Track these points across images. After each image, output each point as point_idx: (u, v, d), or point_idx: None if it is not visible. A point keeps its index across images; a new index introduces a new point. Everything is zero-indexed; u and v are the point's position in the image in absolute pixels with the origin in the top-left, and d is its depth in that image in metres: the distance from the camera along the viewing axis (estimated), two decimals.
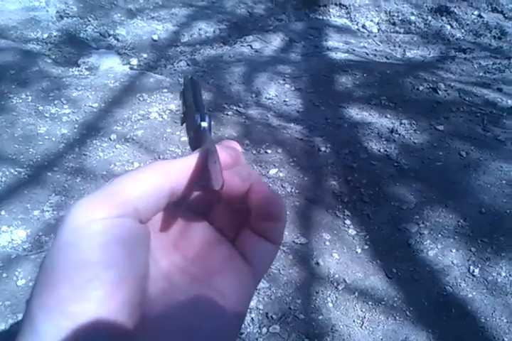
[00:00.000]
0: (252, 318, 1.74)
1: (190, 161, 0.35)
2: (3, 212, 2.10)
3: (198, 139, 0.37)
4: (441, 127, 2.71)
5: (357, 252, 2.03)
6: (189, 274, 0.35)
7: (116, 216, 0.31)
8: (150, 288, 0.32)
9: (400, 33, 4.11)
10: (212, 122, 0.37)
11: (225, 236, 0.39)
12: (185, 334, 0.32)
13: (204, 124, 0.36)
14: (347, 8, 4.30)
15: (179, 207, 0.37)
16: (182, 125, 0.38)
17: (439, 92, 3.03)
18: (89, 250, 0.29)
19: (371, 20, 4.20)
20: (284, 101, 2.99)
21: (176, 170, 0.34)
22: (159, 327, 0.31)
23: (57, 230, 0.31)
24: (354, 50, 3.67)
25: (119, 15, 4.03)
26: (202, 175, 0.34)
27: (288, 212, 2.17)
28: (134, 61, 3.49)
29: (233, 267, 0.37)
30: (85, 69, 3.26)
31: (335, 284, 1.89)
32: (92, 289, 0.28)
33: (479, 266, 1.96)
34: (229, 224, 0.39)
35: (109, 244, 0.29)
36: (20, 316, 1.71)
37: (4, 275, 1.84)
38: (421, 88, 3.08)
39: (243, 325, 1.72)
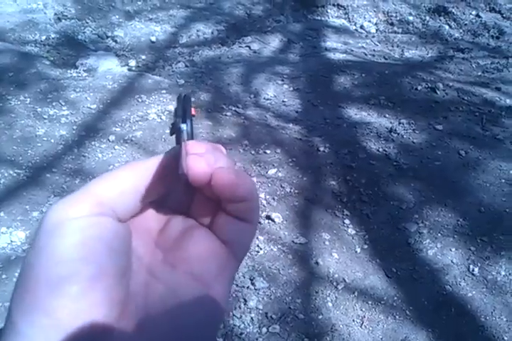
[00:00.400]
0: (251, 318, 1.74)
1: (162, 159, 0.35)
2: (2, 214, 2.10)
3: (177, 139, 0.39)
4: (440, 126, 2.72)
5: (356, 252, 2.03)
6: (170, 265, 0.35)
7: (92, 215, 0.31)
8: (133, 284, 0.33)
9: (398, 33, 4.12)
10: (193, 129, 0.39)
11: (202, 224, 0.39)
12: (170, 323, 0.32)
13: (184, 126, 0.38)
14: (345, 8, 4.30)
15: (158, 205, 0.38)
16: (171, 135, 0.39)
17: (438, 92, 3.03)
18: (65, 247, 0.29)
19: (369, 21, 4.21)
20: (283, 101, 3.00)
21: (150, 169, 0.35)
22: (143, 319, 0.31)
23: (36, 231, 0.31)
24: (352, 51, 3.67)
25: (117, 17, 4.04)
26: (172, 169, 0.35)
27: (287, 212, 2.17)
28: (133, 62, 3.49)
29: (212, 252, 0.37)
30: (83, 70, 3.26)
31: (334, 284, 1.88)
32: (68, 285, 0.28)
33: (479, 264, 1.95)
34: (205, 212, 0.39)
35: (86, 241, 0.29)
36: None
37: (4, 276, 1.84)
38: (419, 88, 3.08)
39: (243, 325, 1.71)
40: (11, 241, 1.99)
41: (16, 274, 1.84)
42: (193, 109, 0.42)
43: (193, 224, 0.39)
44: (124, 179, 0.34)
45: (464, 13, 4.17)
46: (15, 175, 2.32)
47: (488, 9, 4.25)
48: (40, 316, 0.27)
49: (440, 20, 4.17)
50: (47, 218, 0.31)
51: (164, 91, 3.02)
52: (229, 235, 0.38)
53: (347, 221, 2.16)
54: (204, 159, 0.34)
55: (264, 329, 1.70)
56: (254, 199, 0.38)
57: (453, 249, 2.02)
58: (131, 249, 0.34)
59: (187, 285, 0.34)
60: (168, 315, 0.32)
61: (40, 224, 0.31)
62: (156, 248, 0.37)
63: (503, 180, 2.34)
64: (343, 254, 2.02)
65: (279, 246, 2.02)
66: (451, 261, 1.97)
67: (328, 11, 4.31)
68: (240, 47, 3.69)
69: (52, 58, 3.38)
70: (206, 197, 0.39)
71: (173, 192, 0.39)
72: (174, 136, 0.40)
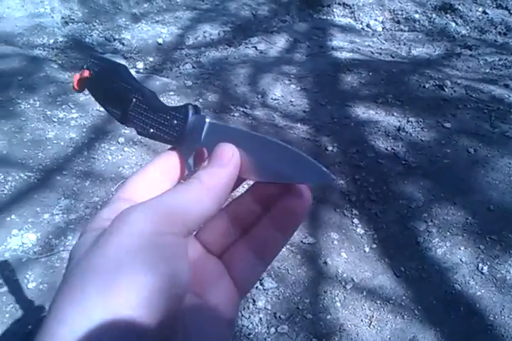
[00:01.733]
0: (260, 318, 1.75)
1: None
2: (13, 216, 2.13)
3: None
4: (448, 124, 2.71)
5: (365, 251, 2.03)
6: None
7: (166, 233, 0.31)
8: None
9: (405, 31, 4.10)
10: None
11: (212, 252, 0.40)
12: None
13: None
14: (351, 7, 4.30)
15: None
16: None
17: (446, 89, 3.02)
18: (132, 260, 0.29)
19: (375, 19, 4.20)
20: (290, 101, 3.00)
21: (222, 187, 0.36)
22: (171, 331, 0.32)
23: (107, 230, 0.31)
24: (359, 49, 3.66)
25: (123, 19, 4.06)
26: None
27: None
28: (140, 65, 3.51)
29: (222, 280, 0.37)
30: None
31: (343, 283, 1.89)
32: (122, 290, 0.28)
33: (488, 263, 1.95)
34: (216, 240, 0.40)
35: (152, 257, 0.30)
36: (30, 319, 1.72)
37: (15, 278, 1.86)
38: (427, 86, 3.07)
39: (251, 326, 1.72)
40: (22, 243, 2.02)
41: (27, 276, 1.87)
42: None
43: (204, 253, 0.39)
44: (202, 199, 0.34)
45: (470, 10, 4.14)
46: (25, 177, 2.34)
47: (494, 5, 4.22)
48: (83, 315, 0.27)
49: (446, 17, 4.15)
50: (123, 224, 0.31)
51: (172, 92, 3.04)
52: (240, 271, 0.38)
53: (356, 220, 2.16)
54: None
55: (273, 330, 1.71)
56: (290, 235, 0.40)
57: (462, 248, 2.02)
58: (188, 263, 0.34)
59: (208, 311, 0.35)
60: (191, 332, 0.34)
61: (115, 226, 0.31)
62: None
63: None
64: (351, 254, 2.02)
65: (288, 246, 2.02)
66: (460, 260, 1.97)
67: (334, 10, 4.30)
68: (246, 47, 3.69)
69: (60, 61, 3.41)
70: (229, 220, 0.39)
71: None
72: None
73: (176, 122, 0.40)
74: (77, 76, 0.43)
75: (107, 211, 0.36)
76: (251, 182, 0.40)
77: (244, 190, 0.41)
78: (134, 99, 0.42)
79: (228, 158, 0.36)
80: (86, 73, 0.43)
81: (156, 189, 0.38)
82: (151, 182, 0.39)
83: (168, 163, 0.40)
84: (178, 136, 0.40)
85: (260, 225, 0.39)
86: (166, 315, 0.29)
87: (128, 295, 0.28)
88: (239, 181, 0.38)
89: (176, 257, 0.31)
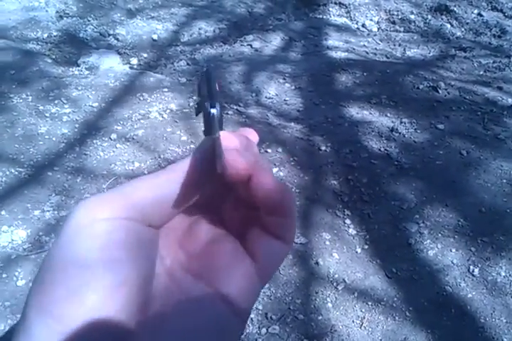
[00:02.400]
0: (251, 319, 1.74)
1: (196, 157, 0.34)
2: (3, 212, 2.11)
3: (208, 127, 0.35)
4: (441, 126, 2.71)
5: (357, 252, 2.03)
6: (192, 272, 0.34)
7: (121, 218, 0.30)
8: (154, 286, 0.32)
9: (400, 31, 4.10)
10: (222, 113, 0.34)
11: (233, 233, 0.37)
12: (182, 334, 0.31)
13: (213, 111, 0.34)
14: (346, 7, 4.29)
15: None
16: (197, 115, 0.36)
17: (440, 91, 3.02)
18: (89, 250, 0.28)
19: (371, 19, 4.20)
20: (284, 100, 2.99)
21: (184, 172, 0.33)
22: (157, 325, 0.30)
23: (60, 228, 0.30)
24: (354, 49, 3.66)
25: (118, 15, 4.03)
26: (208, 167, 0.33)
27: None
28: (134, 60, 3.49)
29: (238, 266, 0.34)
30: (85, 68, 3.26)
31: (334, 284, 1.89)
32: (88, 292, 0.27)
33: (479, 265, 1.95)
34: (237, 220, 0.38)
35: (111, 245, 0.28)
36: (19, 316, 1.71)
37: (4, 275, 1.84)
38: (421, 87, 3.07)
39: None
40: (12, 239, 2.00)
41: (17, 273, 1.85)
42: (217, 84, 0.38)
43: (223, 233, 0.37)
44: (161, 184, 0.32)
45: (465, 12, 4.15)
46: (16, 173, 2.32)
47: (489, 8, 4.23)
48: (54, 321, 0.27)
49: (442, 18, 4.16)
50: (73, 216, 0.30)
51: (166, 89, 3.02)
52: (261, 253, 0.36)
53: (348, 221, 2.16)
54: (244, 157, 0.33)
55: (264, 330, 1.71)
56: (292, 216, 0.36)
57: (453, 250, 2.02)
58: (157, 255, 0.33)
59: (208, 300, 0.33)
60: (183, 326, 0.31)
61: (66, 220, 0.30)
62: (179, 249, 0.35)
63: (505, 180, 2.34)
64: (343, 254, 2.02)
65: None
66: (452, 262, 1.98)
67: (330, 9, 4.29)
68: (241, 45, 3.68)
69: (54, 56, 3.38)
70: (241, 200, 0.37)
71: (205, 189, 0.36)
72: (200, 115, 0.37)
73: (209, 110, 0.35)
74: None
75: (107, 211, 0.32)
76: None
77: None
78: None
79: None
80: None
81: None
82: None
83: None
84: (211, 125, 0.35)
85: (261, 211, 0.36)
86: (141, 311, 0.29)
87: (94, 295, 0.27)
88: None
89: (136, 246, 0.30)
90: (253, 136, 0.39)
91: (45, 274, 0.28)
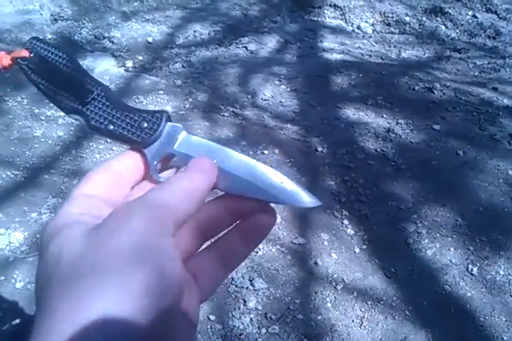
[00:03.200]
0: (251, 319, 1.74)
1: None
2: (0, 215, 2.10)
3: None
4: (437, 126, 2.72)
5: (355, 252, 2.03)
6: None
7: (157, 233, 0.32)
8: None
9: (395, 33, 4.12)
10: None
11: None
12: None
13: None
14: (341, 9, 4.31)
15: None
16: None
17: (435, 92, 3.03)
18: (108, 258, 0.30)
19: (366, 21, 4.21)
20: (280, 102, 3.00)
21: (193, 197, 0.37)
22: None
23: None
24: (349, 51, 3.67)
25: (113, 17, 4.03)
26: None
27: (285, 212, 2.17)
28: (129, 63, 3.48)
29: (189, 289, 0.37)
30: None
31: (334, 284, 1.88)
32: (101, 291, 0.28)
33: (478, 264, 1.96)
34: (183, 247, 0.40)
35: (142, 257, 0.30)
36: (17, 319, 1.70)
37: (2, 278, 1.83)
38: (417, 88, 3.08)
39: (242, 326, 1.71)
40: (10, 242, 1.99)
41: (15, 275, 1.85)
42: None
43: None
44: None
45: (460, 14, 4.17)
46: (12, 176, 2.31)
47: (484, 10, 4.26)
48: (70, 318, 0.27)
49: (437, 20, 4.18)
50: (49, 224, 0.33)
51: (161, 91, 3.02)
52: (205, 279, 0.39)
53: (346, 221, 2.16)
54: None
55: (264, 330, 1.70)
56: (252, 250, 0.42)
57: (452, 249, 2.02)
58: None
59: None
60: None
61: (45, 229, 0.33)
62: None
63: (501, 180, 2.34)
64: (342, 255, 2.02)
65: (278, 247, 2.02)
66: (450, 261, 1.98)
67: (325, 11, 4.31)
68: (236, 47, 3.68)
69: None
70: (198, 226, 0.40)
71: None
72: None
73: (146, 125, 0.41)
74: (9, 54, 0.42)
75: (75, 205, 0.36)
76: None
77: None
78: (95, 92, 0.42)
79: (209, 165, 0.39)
80: (25, 53, 0.41)
81: (118, 186, 0.39)
82: (113, 178, 0.39)
83: (132, 161, 0.41)
84: (147, 138, 0.40)
85: (227, 236, 0.41)
86: (157, 314, 0.29)
87: (117, 294, 0.28)
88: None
89: (165, 257, 0.31)
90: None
91: (71, 271, 0.30)
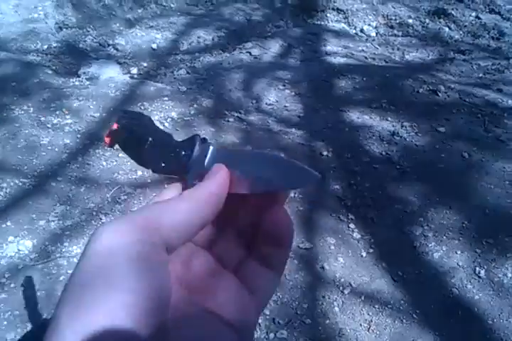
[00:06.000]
0: (259, 324, 1.74)
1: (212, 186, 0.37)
2: (9, 223, 2.11)
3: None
4: (442, 129, 2.72)
5: (362, 256, 2.03)
6: (197, 306, 0.35)
7: (142, 242, 0.32)
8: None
9: (398, 36, 4.12)
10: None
11: (227, 267, 0.40)
12: None
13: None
14: (344, 12, 4.32)
15: None
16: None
17: (440, 94, 3.03)
18: (111, 268, 0.30)
19: (369, 24, 4.22)
20: (285, 106, 3.00)
21: (205, 198, 0.36)
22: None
23: (85, 248, 0.31)
24: (353, 54, 3.68)
25: (117, 25, 4.06)
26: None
27: (292, 217, 2.15)
28: (134, 70, 3.51)
29: (237, 299, 0.37)
30: (86, 79, 3.27)
31: (341, 288, 1.89)
32: (108, 302, 0.29)
33: (485, 267, 1.95)
34: (230, 255, 0.40)
35: (133, 265, 0.30)
36: (28, 325, 1.71)
37: (12, 285, 1.85)
38: (421, 90, 3.08)
39: None
40: (18, 250, 2.00)
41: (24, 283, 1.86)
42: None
43: (218, 268, 0.39)
44: (184, 209, 0.35)
45: (463, 15, 4.17)
46: (20, 184, 2.33)
47: (487, 10, 4.26)
48: (79, 325, 0.28)
49: (440, 22, 4.18)
50: (97, 239, 0.31)
51: (166, 98, 3.03)
52: (256, 284, 0.38)
53: (352, 225, 2.16)
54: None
55: (272, 335, 1.71)
56: (289, 248, 0.40)
57: (458, 252, 2.02)
58: (169, 277, 0.34)
59: (216, 330, 0.35)
60: None
61: (91, 240, 0.31)
62: (177, 282, 0.37)
63: (507, 182, 2.34)
64: (348, 259, 2.02)
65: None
66: (457, 264, 1.98)
67: (328, 15, 4.32)
68: (240, 53, 3.70)
69: (54, 67, 3.40)
70: (234, 238, 0.40)
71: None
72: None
73: (183, 153, 0.43)
74: (108, 131, 0.46)
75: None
76: None
77: None
78: (149, 139, 0.44)
79: (213, 175, 0.38)
80: (115, 126, 0.45)
81: None
82: None
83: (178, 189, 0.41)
84: (184, 165, 0.43)
85: (259, 241, 0.40)
86: (155, 325, 0.29)
87: (111, 305, 0.28)
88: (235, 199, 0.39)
89: (156, 266, 0.31)
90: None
91: (74, 285, 0.30)
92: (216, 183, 0.37)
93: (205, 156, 0.43)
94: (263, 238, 0.39)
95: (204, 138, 0.44)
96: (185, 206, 0.35)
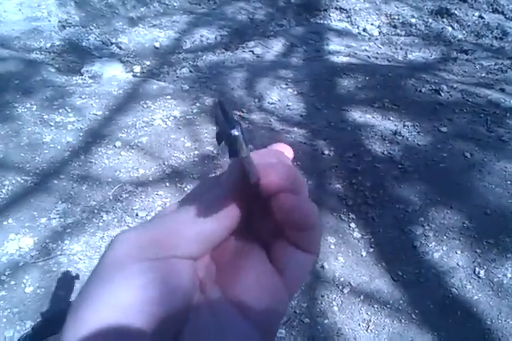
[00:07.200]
0: None
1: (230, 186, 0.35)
2: (10, 220, 2.12)
3: (233, 150, 0.35)
4: (444, 129, 2.72)
5: (362, 255, 2.03)
6: (221, 287, 0.34)
7: (159, 258, 0.31)
8: (186, 302, 0.32)
9: (401, 35, 4.12)
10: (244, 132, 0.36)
11: (259, 243, 0.37)
12: None
13: (235, 132, 0.35)
14: (347, 12, 4.31)
15: None
16: (219, 145, 0.36)
17: (442, 94, 3.03)
18: (124, 289, 0.29)
19: (372, 24, 4.21)
20: (287, 105, 3.00)
21: (228, 210, 0.34)
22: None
23: (101, 258, 0.31)
24: (355, 54, 3.67)
25: (120, 23, 4.06)
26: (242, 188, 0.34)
27: None
28: (137, 68, 3.51)
29: (266, 283, 0.35)
30: (89, 77, 3.28)
31: (340, 287, 1.89)
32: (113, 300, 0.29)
33: (485, 267, 1.95)
34: (264, 231, 0.38)
35: (147, 286, 0.30)
36: (28, 323, 1.72)
37: (12, 282, 1.85)
38: (423, 90, 3.08)
39: None
40: (20, 247, 2.01)
41: (24, 280, 1.87)
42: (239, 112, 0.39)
43: (249, 245, 0.37)
44: (200, 220, 0.33)
45: (466, 15, 4.16)
46: (22, 181, 2.34)
47: (490, 10, 4.24)
48: (81, 325, 0.28)
49: (443, 21, 4.17)
50: (114, 250, 0.31)
51: (169, 96, 3.04)
52: (287, 266, 0.36)
53: (352, 224, 2.16)
54: (277, 169, 0.33)
55: None
56: (317, 229, 0.36)
57: (459, 252, 2.02)
58: (195, 286, 0.33)
59: (233, 318, 0.33)
60: None
61: (107, 253, 0.31)
62: (210, 260, 0.36)
63: (509, 182, 2.34)
64: (348, 258, 2.02)
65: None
66: (457, 264, 1.97)
67: (331, 14, 4.31)
68: (243, 51, 3.70)
69: (57, 65, 3.41)
70: (269, 212, 0.36)
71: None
72: (222, 144, 0.37)
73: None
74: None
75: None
76: None
77: None
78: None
79: (222, 179, 0.36)
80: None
81: None
82: None
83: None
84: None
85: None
86: (161, 323, 0.29)
87: (119, 302, 0.28)
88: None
89: (170, 271, 0.31)
90: (288, 150, 0.40)
91: (86, 288, 0.30)
92: (223, 190, 0.35)
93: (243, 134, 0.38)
94: (283, 221, 0.35)
95: (220, 102, 0.41)
96: (192, 217, 0.33)
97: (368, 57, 3.67)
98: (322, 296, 1.85)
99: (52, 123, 2.73)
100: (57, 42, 3.68)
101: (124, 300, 0.29)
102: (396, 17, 4.22)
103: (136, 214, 2.19)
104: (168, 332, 0.30)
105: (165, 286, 0.30)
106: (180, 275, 0.32)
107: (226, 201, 0.34)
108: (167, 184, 2.37)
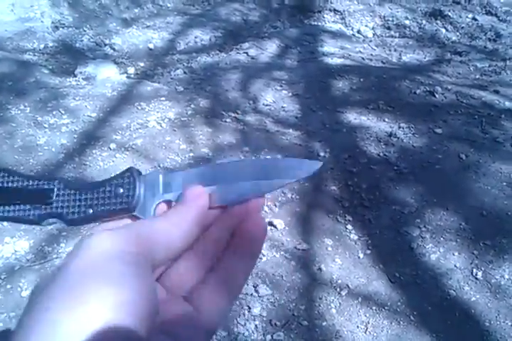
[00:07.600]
0: (255, 325, 1.74)
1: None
2: (5, 223, 2.10)
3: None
4: (439, 130, 2.72)
5: (359, 257, 2.03)
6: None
7: (136, 253, 0.32)
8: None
9: (395, 37, 4.13)
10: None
11: (179, 294, 0.40)
12: None
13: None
14: (341, 13, 4.32)
15: None
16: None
17: (436, 95, 3.04)
18: (111, 270, 0.30)
19: (366, 25, 4.22)
20: (282, 107, 3.00)
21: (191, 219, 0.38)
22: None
23: (74, 251, 0.32)
24: (350, 55, 3.68)
25: (114, 24, 4.05)
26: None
27: (289, 218, 2.17)
28: (131, 70, 3.50)
29: (191, 323, 0.37)
30: (82, 79, 3.26)
31: (338, 290, 1.88)
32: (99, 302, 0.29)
33: (482, 268, 1.95)
34: (182, 283, 0.40)
35: (129, 267, 0.31)
36: None
37: (8, 286, 1.83)
38: (418, 92, 3.09)
39: (247, 333, 1.71)
40: (15, 250, 1.99)
41: (20, 284, 1.85)
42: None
43: (168, 296, 0.39)
44: (169, 229, 0.36)
45: (460, 17, 4.18)
46: None
47: (484, 12, 4.27)
48: (73, 324, 0.28)
49: (437, 23, 4.19)
50: (90, 245, 0.32)
51: (163, 98, 3.03)
52: (209, 315, 0.39)
53: (349, 226, 2.16)
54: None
55: (269, 337, 1.70)
56: (257, 257, 0.42)
57: (456, 253, 2.02)
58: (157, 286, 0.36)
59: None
60: None
61: (82, 248, 0.32)
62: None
63: (504, 183, 2.34)
64: (346, 260, 2.02)
65: (282, 253, 2.02)
66: (455, 266, 1.98)
67: (325, 16, 4.32)
68: (237, 53, 3.69)
69: (50, 66, 3.39)
70: (188, 263, 0.40)
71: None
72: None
73: (122, 190, 0.39)
74: None
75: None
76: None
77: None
78: (54, 188, 0.40)
79: (192, 197, 0.39)
80: None
81: None
82: None
83: None
84: (131, 202, 0.39)
85: (225, 261, 0.41)
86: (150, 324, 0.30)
87: (99, 304, 0.28)
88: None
89: (148, 273, 0.32)
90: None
91: (66, 282, 0.30)
92: (194, 208, 0.38)
93: (158, 185, 0.40)
94: (234, 248, 0.40)
95: (138, 170, 0.41)
96: (172, 229, 0.36)
97: (363, 58, 3.67)
98: (320, 298, 1.85)
99: (46, 125, 2.71)
100: (51, 44, 3.67)
101: (115, 299, 0.29)
102: (390, 19, 4.23)
103: None
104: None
105: (145, 289, 0.31)
106: (153, 279, 0.34)
107: (186, 216, 0.38)
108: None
